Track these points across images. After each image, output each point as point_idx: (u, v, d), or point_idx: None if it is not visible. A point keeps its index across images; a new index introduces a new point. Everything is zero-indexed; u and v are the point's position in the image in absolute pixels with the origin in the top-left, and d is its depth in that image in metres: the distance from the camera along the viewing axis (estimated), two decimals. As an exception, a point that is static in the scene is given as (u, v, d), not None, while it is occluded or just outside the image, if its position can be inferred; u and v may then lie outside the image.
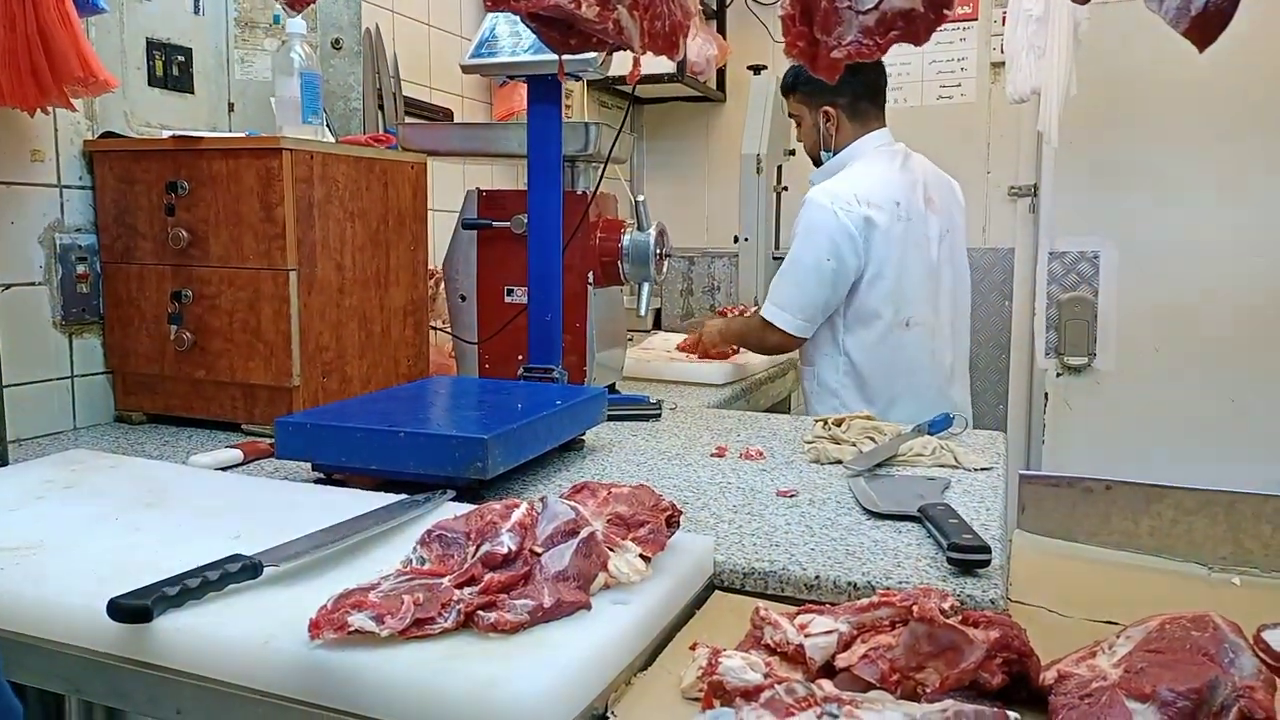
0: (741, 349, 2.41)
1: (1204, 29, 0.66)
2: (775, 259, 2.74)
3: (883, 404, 2.11)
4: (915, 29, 0.76)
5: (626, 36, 0.94)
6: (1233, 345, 3.13)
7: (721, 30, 3.67)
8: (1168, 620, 0.72)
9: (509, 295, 1.83)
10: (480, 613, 0.74)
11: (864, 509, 1.16)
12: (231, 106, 1.84)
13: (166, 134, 1.57)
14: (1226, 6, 0.65)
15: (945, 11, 0.75)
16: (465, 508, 0.92)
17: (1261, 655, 0.69)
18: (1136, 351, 3.26)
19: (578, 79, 2.46)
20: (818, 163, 2.30)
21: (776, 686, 0.64)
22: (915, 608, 0.72)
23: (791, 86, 2.30)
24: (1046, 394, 3.35)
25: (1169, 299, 3.19)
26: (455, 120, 2.61)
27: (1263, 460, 3.01)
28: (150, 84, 1.68)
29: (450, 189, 2.36)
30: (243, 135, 1.65)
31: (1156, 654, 0.69)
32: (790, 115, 2.36)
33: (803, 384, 2.30)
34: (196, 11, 1.76)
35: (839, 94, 2.20)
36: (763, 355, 2.39)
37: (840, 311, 2.14)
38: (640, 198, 1.86)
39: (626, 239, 1.83)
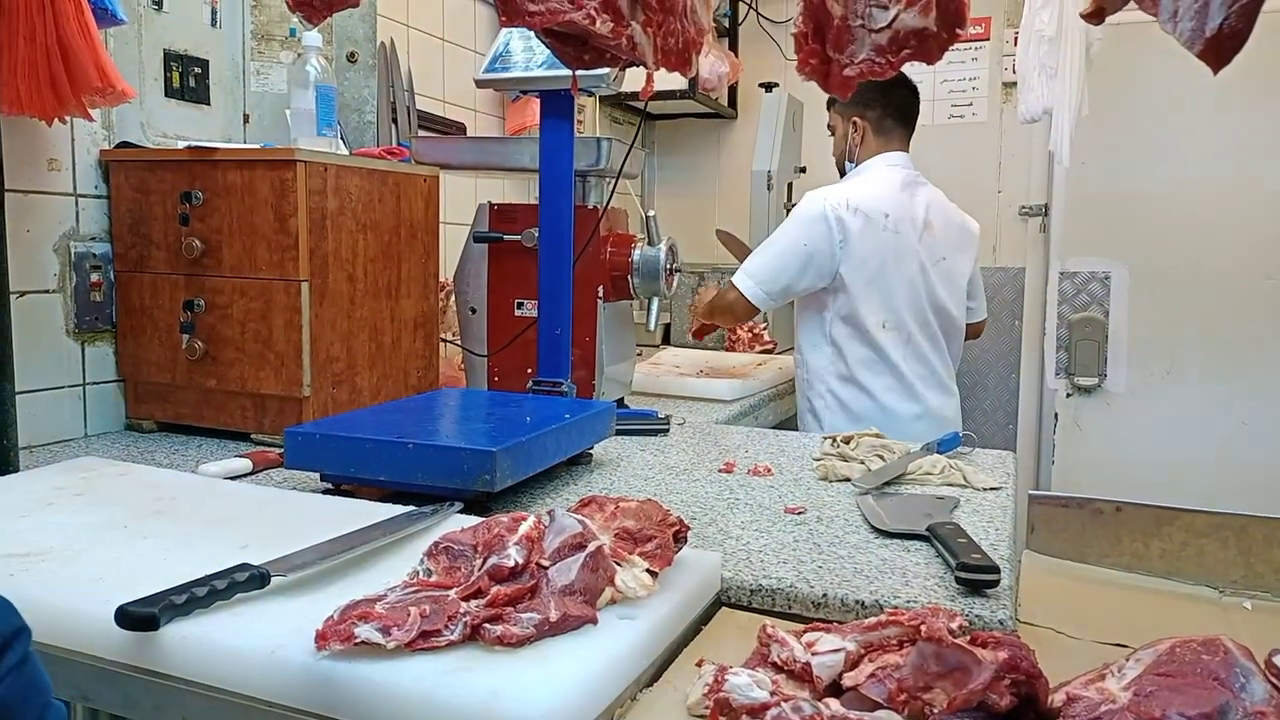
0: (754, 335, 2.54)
1: (1219, 50, 0.66)
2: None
3: (867, 398, 2.21)
4: (928, 48, 0.76)
5: (640, 53, 0.94)
6: (1244, 367, 3.11)
7: (733, 48, 3.68)
8: (1178, 643, 0.71)
9: (519, 308, 1.84)
10: (487, 625, 0.74)
11: (872, 527, 1.15)
12: (247, 118, 1.85)
13: (182, 144, 1.58)
14: (1241, 28, 0.65)
15: (958, 30, 0.75)
16: (473, 520, 0.92)
17: (1273, 680, 0.68)
18: (1147, 373, 3.24)
19: (591, 94, 2.47)
20: (843, 174, 2.42)
21: (783, 704, 0.64)
22: (924, 627, 0.71)
23: (833, 99, 2.40)
24: (1056, 414, 3.34)
25: (1180, 320, 3.17)
26: (468, 134, 2.62)
27: (1274, 483, 2.99)
28: (167, 95, 1.69)
29: (462, 202, 2.37)
30: (258, 146, 1.66)
31: (1166, 677, 0.68)
32: (828, 126, 2.46)
33: (796, 373, 2.38)
34: (214, 24, 1.77)
35: (869, 107, 2.32)
36: (726, 322, 2.53)
37: (829, 306, 2.24)
38: (651, 213, 1.86)
39: (637, 254, 1.83)
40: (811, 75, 0.81)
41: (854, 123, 2.33)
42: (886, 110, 2.31)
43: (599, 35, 0.91)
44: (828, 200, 2.20)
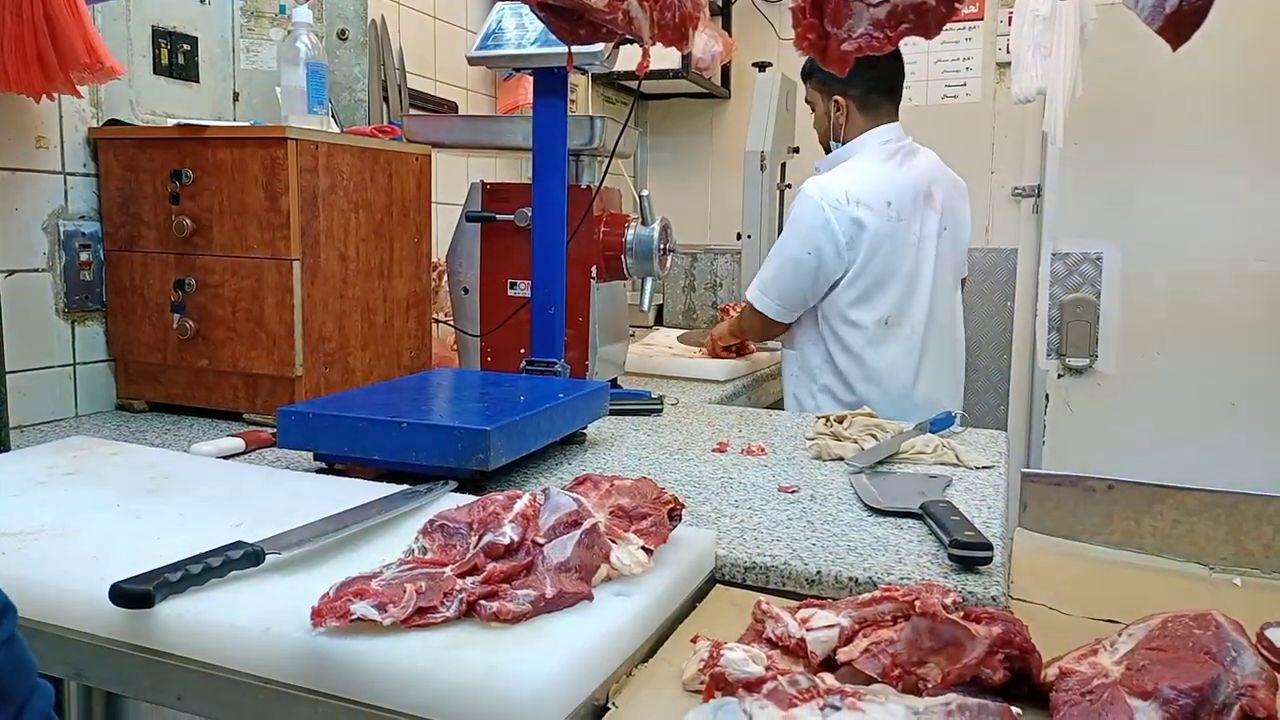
0: (754, 346, 2.43)
1: (1178, 27, 0.66)
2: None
3: (862, 394, 2.12)
4: (926, 22, 0.76)
5: (636, 27, 0.94)
6: (1234, 348, 3.12)
7: (727, 27, 3.66)
8: (1170, 618, 0.72)
9: (512, 288, 1.83)
10: (482, 602, 0.74)
11: (865, 505, 1.16)
12: (237, 96, 1.84)
13: (171, 122, 1.57)
14: (1201, 5, 0.65)
15: (956, 4, 0.75)
16: (467, 499, 0.92)
17: (1264, 654, 0.69)
18: (1138, 353, 3.25)
19: (584, 72, 2.46)
20: (828, 150, 2.30)
21: (779, 678, 0.64)
22: (918, 603, 0.72)
23: (809, 72, 2.31)
24: (1048, 395, 3.35)
25: (1171, 301, 3.19)
26: (459, 113, 2.60)
27: (1264, 462, 3.01)
28: (156, 72, 1.68)
29: (454, 181, 2.35)
30: (248, 124, 1.65)
31: (1158, 651, 0.69)
32: (806, 101, 2.35)
33: (783, 368, 2.29)
34: (202, 0, 1.75)
35: (851, 84, 2.19)
36: (757, 340, 2.40)
37: (824, 301, 2.15)
38: (645, 193, 1.86)
39: (630, 234, 1.83)
40: (809, 50, 0.81)
41: (836, 101, 2.21)
42: (870, 85, 2.19)
43: (595, 9, 0.91)
44: (825, 198, 2.08)
